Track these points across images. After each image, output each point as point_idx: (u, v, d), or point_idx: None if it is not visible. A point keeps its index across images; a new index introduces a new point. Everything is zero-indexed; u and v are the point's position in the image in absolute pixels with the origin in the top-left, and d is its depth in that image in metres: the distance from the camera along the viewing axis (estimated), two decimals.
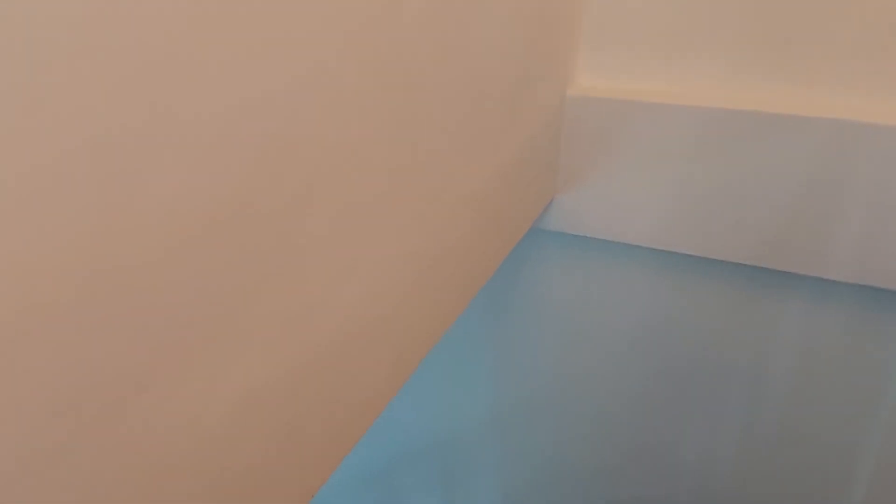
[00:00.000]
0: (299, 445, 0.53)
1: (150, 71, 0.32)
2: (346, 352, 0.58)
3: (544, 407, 1.62)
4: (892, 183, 1.12)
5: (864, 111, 1.10)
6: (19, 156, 0.27)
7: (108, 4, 0.30)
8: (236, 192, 0.40)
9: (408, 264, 0.69)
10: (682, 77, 1.17)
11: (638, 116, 1.18)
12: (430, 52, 0.58)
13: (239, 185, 0.40)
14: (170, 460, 0.40)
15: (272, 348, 0.46)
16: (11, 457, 0.30)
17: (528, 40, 0.89)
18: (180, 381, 0.39)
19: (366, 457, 1.89)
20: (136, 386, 0.36)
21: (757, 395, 1.38)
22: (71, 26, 0.28)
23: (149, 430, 0.38)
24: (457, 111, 0.71)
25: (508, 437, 1.69)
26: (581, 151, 1.23)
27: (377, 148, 0.54)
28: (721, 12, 1.12)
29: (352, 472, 1.93)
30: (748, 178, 1.19)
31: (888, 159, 1.09)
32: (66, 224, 0.30)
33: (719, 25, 1.12)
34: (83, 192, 0.31)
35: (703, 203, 1.24)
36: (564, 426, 1.62)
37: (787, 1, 1.07)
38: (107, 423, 0.35)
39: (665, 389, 1.47)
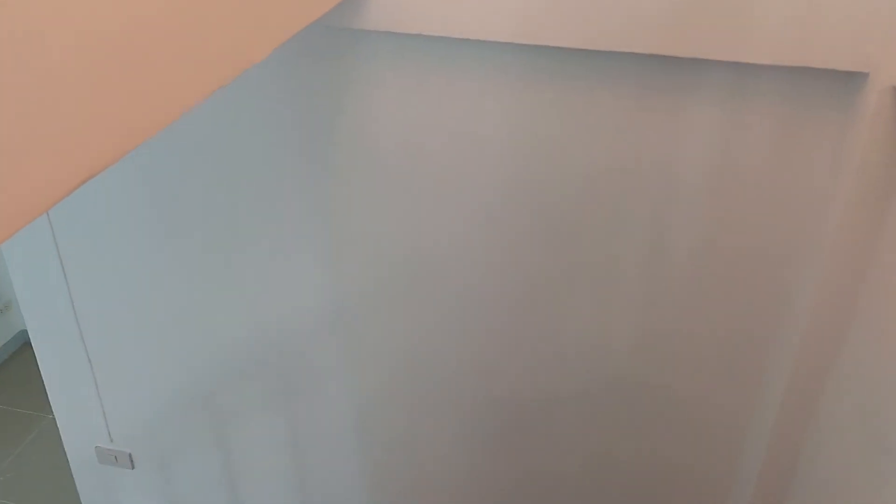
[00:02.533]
0: None
1: None
2: None
3: (395, 289, 1.26)
4: None
5: None
6: None
7: None
8: None
9: None
10: None
11: None
12: None
13: None
14: None
15: None
16: None
17: None
18: None
19: (190, 379, 1.48)
20: None
21: (664, 229, 1.07)
22: None
23: None
24: None
25: (356, 334, 1.33)
26: None
27: None
28: None
29: (176, 396, 1.52)
30: None
31: None
32: None
33: None
34: None
35: None
36: (421, 313, 1.27)
37: None
38: None
39: (546, 245, 1.14)
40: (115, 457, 1.65)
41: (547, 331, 1.22)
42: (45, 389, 1.58)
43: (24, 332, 2.72)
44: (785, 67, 0.88)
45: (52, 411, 2.22)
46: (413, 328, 1.30)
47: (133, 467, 1.66)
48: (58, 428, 1.66)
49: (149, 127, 0.55)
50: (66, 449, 1.69)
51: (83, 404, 1.58)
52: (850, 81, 0.87)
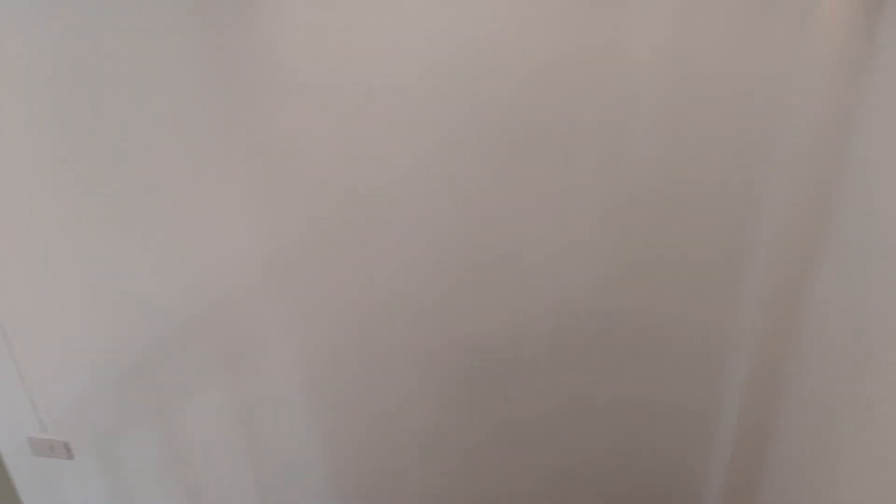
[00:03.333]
0: None
1: None
2: None
3: (334, 231, 1.14)
4: None
5: None
6: None
7: None
8: None
9: None
10: None
11: None
12: None
13: None
14: None
15: None
16: None
17: None
18: None
19: (121, 355, 1.35)
20: None
21: (621, 128, 0.98)
22: None
23: None
24: None
25: (296, 287, 1.21)
26: None
27: None
28: None
29: (109, 375, 1.38)
30: None
31: None
32: None
33: None
34: None
35: None
36: (365, 255, 1.17)
37: None
38: None
39: (495, 160, 1.04)
40: (51, 447, 1.51)
41: (506, 259, 1.12)
42: None
43: None
44: None
45: None
46: (358, 274, 1.19)
47: (71, 457, 1.52)
48: None
49: None
50: None
51: (7, 392, 1.44)
52: None
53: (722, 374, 1.17)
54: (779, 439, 1.12)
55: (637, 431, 1.30)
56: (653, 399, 1.25)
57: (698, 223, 1.06)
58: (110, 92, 1.06)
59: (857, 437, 0.83)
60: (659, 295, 1.13)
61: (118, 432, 1.46)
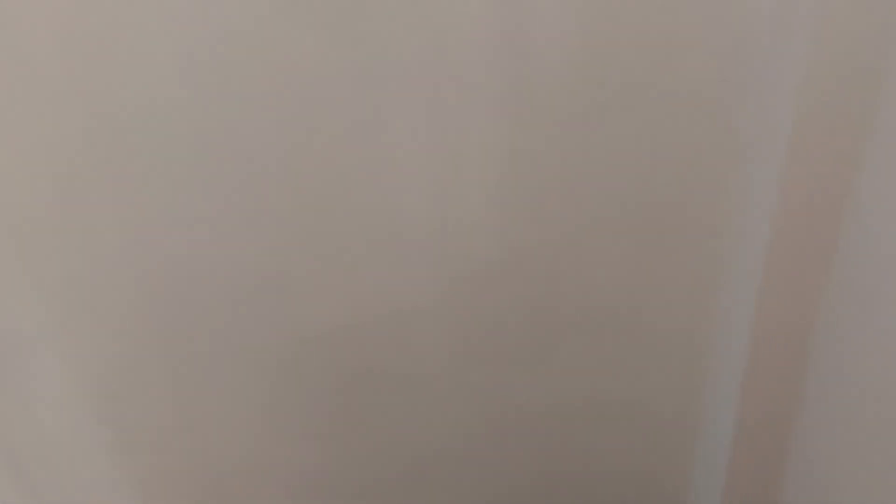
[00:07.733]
0: None
1: None
2: None
3: (90, 167, 0.72)
4: None
5: None
6: None
7: None
8: None
9: None
10: None
11: None
12: None
13: None
14: None
15: None
16: None
17: None
18: None
19: None
20: None
21: None
22: None
23: None
24: None
25: (54, 251, 0.79)
26: None
27: None
28: None
29: None
30: None
31: None
32: None
33: None
34: None
35: None
36: (148, 200, 0.75)
37: None
38: None
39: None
40: None
41: (371, 201, 0.71)
42: None
43: None
44: None
45: None
46: (141, 232, 0.77)
47: None
48: None
49: None
50: None
51: None
52: None
53: (709, 357, 0.78)
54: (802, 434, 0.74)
55: (588, 445, 0.92)
56: (606, 398, 0.86)
57: (661, 126, 0.67)
58: None
59: None
60: (612, 244, 0.74)
61: None
